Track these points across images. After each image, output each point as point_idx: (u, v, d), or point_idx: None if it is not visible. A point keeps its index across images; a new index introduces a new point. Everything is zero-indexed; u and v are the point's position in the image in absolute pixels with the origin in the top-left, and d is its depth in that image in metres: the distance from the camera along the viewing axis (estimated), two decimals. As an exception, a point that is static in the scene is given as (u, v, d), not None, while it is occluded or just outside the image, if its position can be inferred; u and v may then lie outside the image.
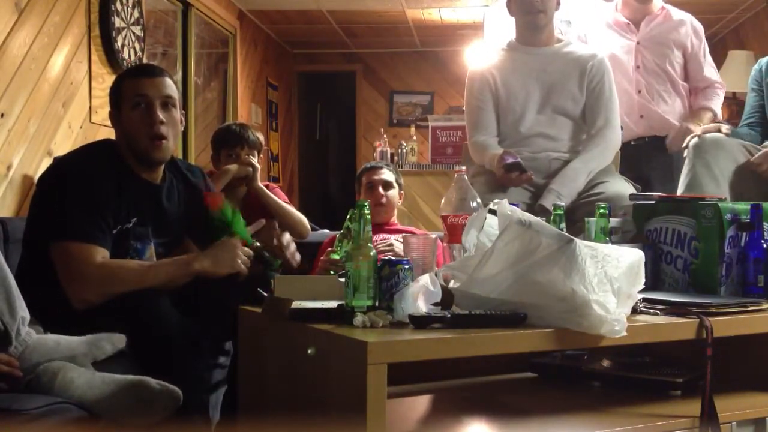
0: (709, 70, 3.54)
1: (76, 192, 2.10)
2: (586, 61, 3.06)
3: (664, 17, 3.53)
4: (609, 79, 3.08)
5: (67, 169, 2.17)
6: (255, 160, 3.19)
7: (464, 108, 3.24)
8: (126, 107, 2.20)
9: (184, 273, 2.14)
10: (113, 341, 1.91)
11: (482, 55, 3.62)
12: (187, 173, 2.40)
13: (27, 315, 1.83)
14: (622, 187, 2.87)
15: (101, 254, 2.08)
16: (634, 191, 2.87)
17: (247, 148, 3.22)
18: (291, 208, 3.22)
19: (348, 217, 2.72)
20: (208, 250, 2.20)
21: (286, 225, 3.15)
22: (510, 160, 2.81)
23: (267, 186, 3.27)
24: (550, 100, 3.02)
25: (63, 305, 2.04)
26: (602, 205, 2.09)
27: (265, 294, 1.89)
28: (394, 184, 3.33)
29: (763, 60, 3.11)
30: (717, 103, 3.49)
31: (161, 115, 2.18)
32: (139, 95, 2.19)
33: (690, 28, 3.50)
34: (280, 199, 3.23)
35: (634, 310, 1.80)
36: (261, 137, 3.43)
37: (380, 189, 3.27)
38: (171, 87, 2.24)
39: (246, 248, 2.24)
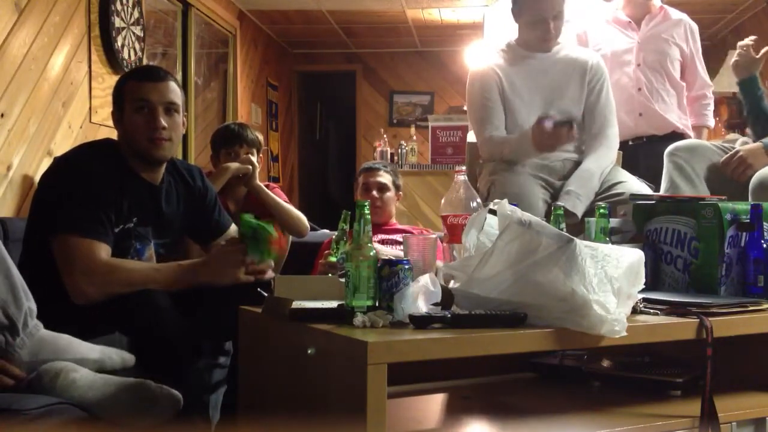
0: (702, 74, 3.63)
1: (79, 188, 2.10)
2: (585, 62, 3.09)
3: (663, 16, 3.58)
4: (607, 80, 3.12)
5: (70, 166, 2.18)
6: (254, 159, 3.20)
7: (467, 107, 3.22)
8: (129, 109, 2.21)
9: (187, 280, 2.14)
10: (123, 359, 1.92)
11: (483, 56, 3.61)
12: (186, 173, 2.40)
13: (34, 306, 1.82)
14: (639, 186, 2.90)
15: (105, 251, 2.09)
16: (649, 190, 2.90)
17: (246, 147, 3.23)
18: (290, 207, 3.23)
19: (341, 218, 2.72)
20: (212, 259, 2.18)
21: (284, 223, 3.16)
22: (557, 118, 2.80)
23: (267, 186, 3.27)
24: (554, 102, 3.02)
25: (62, 303, 2.04)
26: (602, 205, 2.09)
27: (265, 294, 1.89)
28: (390, 186, 3.33)
29: None
30: (709, 116, 3.66)
31: (163, 121, 2.20)
32: (142, 99, 2.19)
33: (687, 28, 3.57)
34: (279, 198, 3.23)
35: (634, 310, 1.79)
36: (260, 137, 3.44)
37: (375, 192, 3.29)
38: (175, 92, 2.24)
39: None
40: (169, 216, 2.32)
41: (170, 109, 2.23)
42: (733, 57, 3.03)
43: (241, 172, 3.14)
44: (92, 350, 1.87)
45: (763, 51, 2.97)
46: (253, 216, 2.17)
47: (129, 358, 1.94)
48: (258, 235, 2.13)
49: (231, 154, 3.21)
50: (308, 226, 3.27)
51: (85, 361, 1.84)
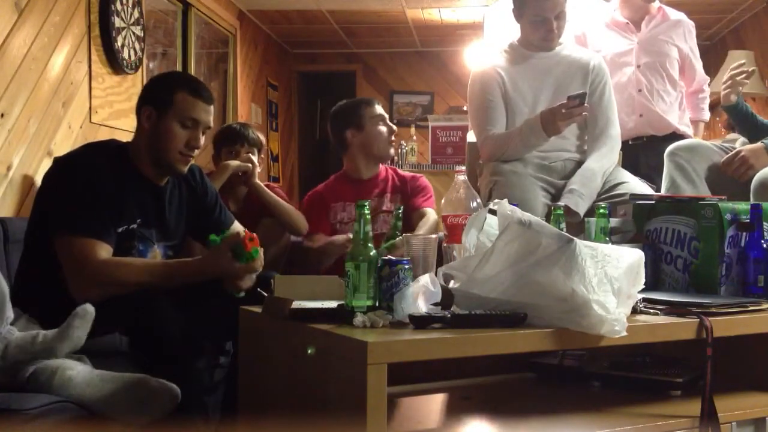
0: (699, 70, 3.65)
1: (82, 188, 2.11)
2: (587, 63, 3.09)
3: (662, 17, 3.59)
4: (608, 80, 3.12)
5: (73, 165, 2.18)
6: (255, 159, 3.22)
7: (468, 107, 3.21)
8: (173, 119, 2.22)
9: (188, 274, 2.14)
10: (80, 316, 1.82)
11: (484, 56, 3.61)
12: (188, 174, 2.41)
13: (12, 315, 1.83)
14: (641, 187, 2.90)
15: (105, 250, 2.09)
16: (651, 191, 2.90)
17: (248, 146, 3.27)
18: (290, 206, 3.24)
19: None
20: (213, 264, 2.16)
21: (284, 222, 3.18)
22: (572, 93, 2.83)
23: (267, 186, 3.29)
24: (557, 102, 3.02)
25: (63, 302, 2.04)
26: (602, 205, 2.09)
27: (265, 294, 1.89)
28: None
29: None
30: (705, 110, 3.71)
31: (201, 142, 2.26)
32: (193, 119, 2.23)
33: (685, 27, 3.59)
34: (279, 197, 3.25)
35: (634, 310, 1.80)
36: (262, 137, 3.45)
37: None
38: (212, 115, 2.31)
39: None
40: (174, 218, 2.33)
41: (205, 131, 2.29)
42: (723, 85, 3.00)
43: (241, 170, 3.15)
44: (54, 336, 1.83)
45: (746, 72, 2.98)
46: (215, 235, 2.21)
47: (82, 310, 1.83)
48: (235, 248, 2.13)
49: (232, 153, 3.24)
50: (306, 225, 3.27)
51: (54, 350, 1.81)
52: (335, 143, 3.29)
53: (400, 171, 3.32)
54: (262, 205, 3.18)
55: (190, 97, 2.24)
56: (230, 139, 3.28)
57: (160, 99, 2.24)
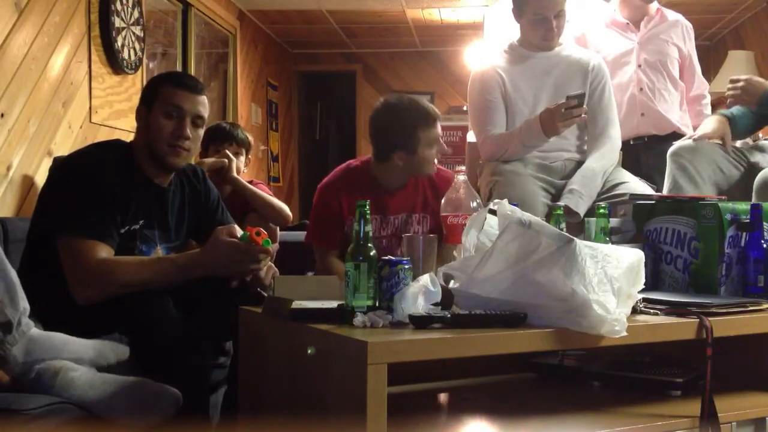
0: (699, 74, 3.66)
1: (86, 188, 2.11)
2: (587, 63, 3.09)
3: (660, 17, 3.62)
4: (608, 80, 3.13)
5: (78, 165, 2.19)
6: (242, 159, 3.28)
7: (468, 107, 3.22)
8: (158, 111, 2.22)
9: (187, 271, 2.14)
10: (118, 353, 1.93)
11: (484, 56, 3.62)
12: (192, 176, 2.42)
13: (28, 306, 1.83)
14: (641, 187, 2.91)
15: (105, 251, 2.09)
16: (651, 191, 2.90)
17: (236, 146, 3.33)
18: (270, 198, 3.29)
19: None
20: (211, 253, 2.16)
21: (266, 213, 3.21)
22: (571, 93, 2.83)
23: (250, 182, 3.34)
24: (557, 102, 3.02)
25: (63, 302, 2.04)
26: (602, 205, 2.09)
27: (265, 294, 1.89)
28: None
29: None
30: (708, 115, 3.64)
31: (189, 132, 2.23)
32: (174, 105, 2.22)
33: (683, 28, 3.62)
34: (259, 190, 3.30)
35: (634, 310, 1.79)
36: (251, 137, 3.50)
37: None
38: (205, 107, 2.29)
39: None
40: (177, 219, 2.33)
41: (197, 122, 2.26)
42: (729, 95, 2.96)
43: (218, 166, 3.21)
44: (87, 348, 1.87)
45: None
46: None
47: (123, 351, 1.94)
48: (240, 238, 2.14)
49: (219, 151, 3.29)
50: (290, 214, 3.32)
51: (82, 361, 1.84)
52: (373, 149, 2.82)
53: (435, 177, 2.87)
54: (246, 202, 3.23)
55: (171, 87, 2.24)
56: (219, 138, 3.34)
57: (149, 96, 2.27)
